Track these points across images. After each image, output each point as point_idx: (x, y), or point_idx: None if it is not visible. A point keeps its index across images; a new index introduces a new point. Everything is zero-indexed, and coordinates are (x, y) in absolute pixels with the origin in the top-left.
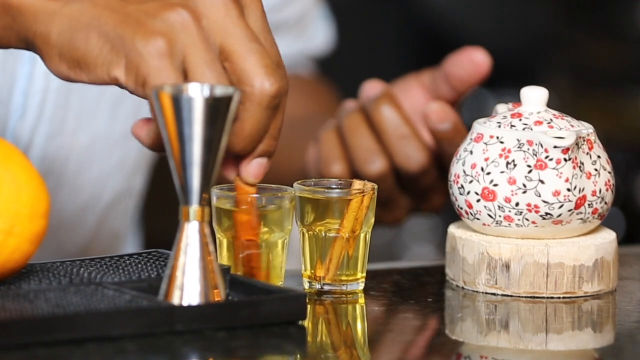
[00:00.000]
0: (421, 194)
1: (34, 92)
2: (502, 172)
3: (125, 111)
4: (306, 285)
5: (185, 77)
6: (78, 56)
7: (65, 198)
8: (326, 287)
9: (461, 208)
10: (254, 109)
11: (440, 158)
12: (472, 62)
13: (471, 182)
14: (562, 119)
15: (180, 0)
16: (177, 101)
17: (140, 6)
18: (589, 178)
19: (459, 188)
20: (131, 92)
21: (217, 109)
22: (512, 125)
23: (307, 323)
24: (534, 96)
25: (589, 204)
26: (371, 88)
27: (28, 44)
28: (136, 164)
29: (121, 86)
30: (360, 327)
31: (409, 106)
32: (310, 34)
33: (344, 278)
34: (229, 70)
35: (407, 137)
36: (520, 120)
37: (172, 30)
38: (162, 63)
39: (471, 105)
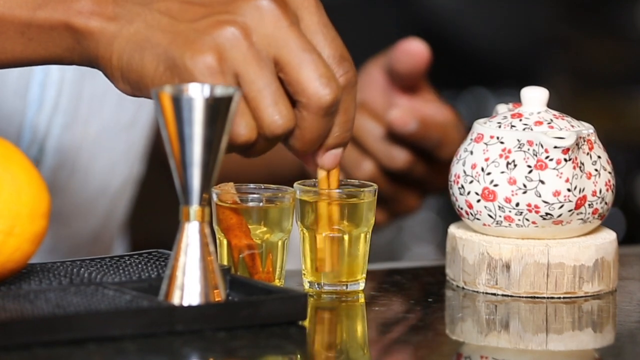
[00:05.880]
0: (421, 182)
1: (51, 84)
2: (502, 172)
3: (131, 100)
4: (306, 286)
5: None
6: (136, 78)
7: (78, 187)
8: (326, 288)
9: (461, 208)
10: (311, 119)
11: (425, 149)
12: (409, 55)
13: (471, 182)
14: (563, 119)
15: (229, 17)
16: (178, 101)
17: (191, 25)
18: (589, 178)
19: (459, 188)
20: None
21: (217, 109)
22: (512, 126)
23: (307, 323)
24: (534, 96)
25: (589, 204)
26: None
27: (92, 65)
28: (138, 152)
29: None
30: (360, 328)
31: (376, 91)
32: None
33: (344, 279)
34: (285, 81)
35: (384, 138)
36: (520, 120)
37: (221, 48)
38: (213, 79)
39: (471, 105)
